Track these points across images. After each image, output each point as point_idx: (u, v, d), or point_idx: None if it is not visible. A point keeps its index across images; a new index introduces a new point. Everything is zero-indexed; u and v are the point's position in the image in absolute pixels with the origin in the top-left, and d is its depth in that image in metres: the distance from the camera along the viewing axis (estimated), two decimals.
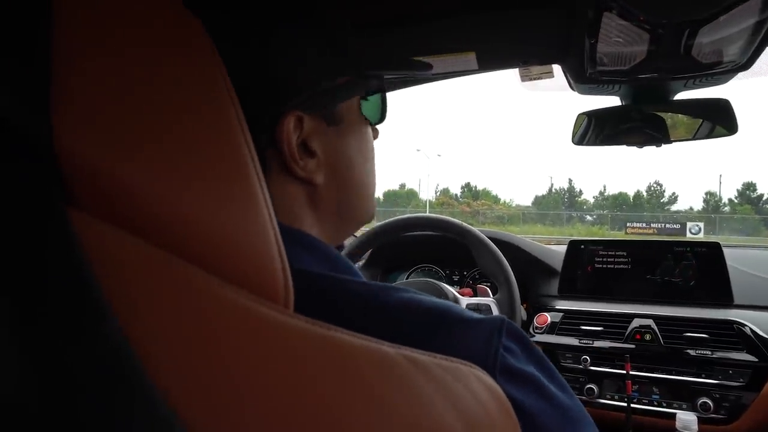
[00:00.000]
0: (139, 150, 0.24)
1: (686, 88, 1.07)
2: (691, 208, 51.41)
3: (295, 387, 0.25)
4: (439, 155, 71.42)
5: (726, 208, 48.29)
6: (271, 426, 0.24)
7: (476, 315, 0.43)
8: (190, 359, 0.22)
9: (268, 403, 0.24)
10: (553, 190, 59.32)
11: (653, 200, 51.85)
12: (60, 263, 0.20)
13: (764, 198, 45.37)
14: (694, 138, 1.13)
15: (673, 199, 52.29)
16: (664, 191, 52.77)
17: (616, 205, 52.75)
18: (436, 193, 61.33)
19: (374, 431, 0.27)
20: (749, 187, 48.22)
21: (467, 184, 61.80)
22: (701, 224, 32.87)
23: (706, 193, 51.96)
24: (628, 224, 35.77)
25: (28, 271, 0.20)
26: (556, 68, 1.11)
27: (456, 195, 60.69)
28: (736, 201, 48.80)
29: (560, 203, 55.98)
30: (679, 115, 1.13)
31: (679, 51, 0.88)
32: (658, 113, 1.13)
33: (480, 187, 61.89)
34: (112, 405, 0.20)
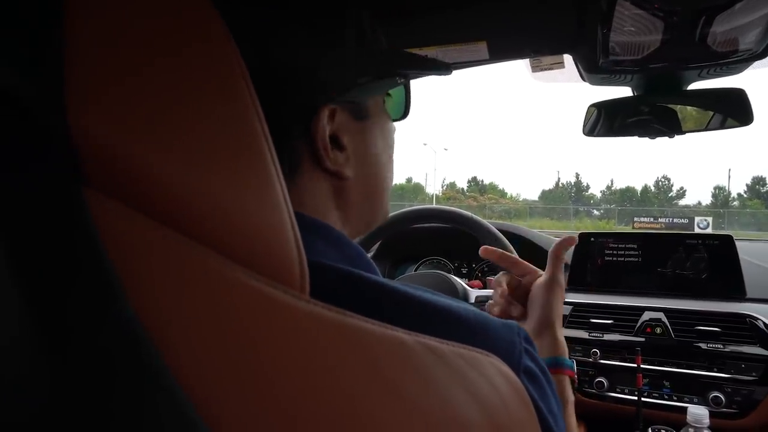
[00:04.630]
0: (153, 131, 0.24)
1: (700, 78, 1.05)
2: (699, 203, 51.19)
3: (312, 371, 0.25)
4: (445, 149, 71.50)
5: (735, 203, 48.05)
6: (288, 410, 0.24)
7: (493, 318, 0.43)
8: (205, 342, 0.22)
9: (284, 386, 0.24)
10: (560, 185, 59.17)
11: (661, 195, 51.67)
12: (74, 243, 0.20)
13: None
14: (706, 129, 1.11)
15: (682, 193, 52.10)
16: (672, 186, 52.58)
17: (624, 199, 52.62)
18: (442, 187, 61.27)
19: (390, 417, 0.27)
20: (759, 181, 47.98)
21: (474, 178, 61.76)
22: (709, 219, 32.67)
23: (715, 188, 51.66)
24: (635, 219, 35.60)
25: (41, 250, 0.20)
26: (567, 59, 1.10)
27: (462, 189, 60.62)
28: (745, 195, 48.54)
29: (567, 197, 55.83)
30: (692, 105, 1.11)
31: (694, 40, 0.87)
32: (671, 104, 1.12)
33: (487, 182, 61.85)
34: (125, 389, 0.20)
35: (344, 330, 0.28)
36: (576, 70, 1.12)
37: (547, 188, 60.69)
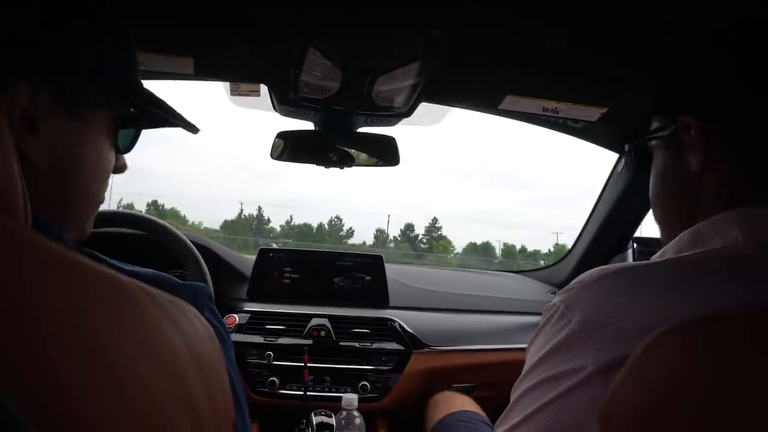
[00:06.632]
0: None
1: (366, 124, 1.32)
2: (364, 242, 57.70)
3: (43, 299, 0.28)
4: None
5: (391, 244, 55.76)
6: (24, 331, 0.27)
7: (181, 281, 0.52)
8: None
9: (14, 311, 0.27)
10: (243, 216, 60.04)
11: (333, 233, 56.70)
12: None
13: (419, 237, 53.96)
14: (372, 165, 1.38)
15: (350, 233, 58.02)
16: (343, 226, 58.28)
17: (301, 235, 56.12)
18: (118, 208, 55.90)
19: (117, 339, 0.32)
20: (409, 227, 56.73)
21: (154, 202, 58.05)
22: None
23: (377, 230, 59.20)
24: None
25: None
26: (264, 89, 1.24)
27: (141, 212, 56.36)
28: (399, 239, 56.76)
29: (249, 229, 56.85)
30: (359, 144, 1.37)
31: (362, 92, 1.10)
32: (344, 141, 1.36)
33: (168, 206, 58.93)
34: None
35: (72, 263, 0.32)
36: (269, 100, 1.27)
37: (229, 218, 60.88)
